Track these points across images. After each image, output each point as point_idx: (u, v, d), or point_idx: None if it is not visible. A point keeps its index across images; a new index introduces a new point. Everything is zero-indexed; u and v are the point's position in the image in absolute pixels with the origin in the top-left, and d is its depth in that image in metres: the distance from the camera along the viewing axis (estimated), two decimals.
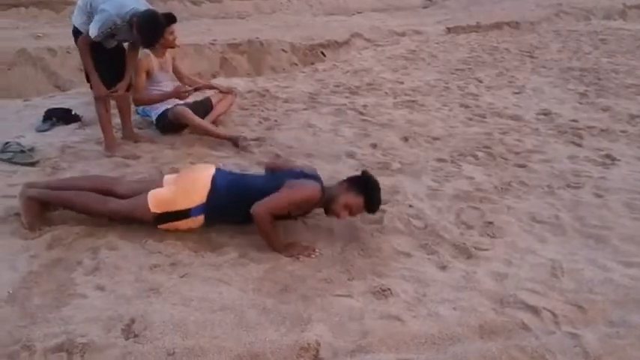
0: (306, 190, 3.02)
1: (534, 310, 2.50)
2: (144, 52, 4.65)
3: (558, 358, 2.21)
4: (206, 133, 4.71)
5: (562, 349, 2.25)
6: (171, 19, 4.67)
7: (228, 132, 4.83)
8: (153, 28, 3.98)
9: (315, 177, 3.20)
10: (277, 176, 3.24)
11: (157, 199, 3.00)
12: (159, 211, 2.99)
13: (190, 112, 4.72)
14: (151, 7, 4.13)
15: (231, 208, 3.05)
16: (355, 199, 3.02)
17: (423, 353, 2.22)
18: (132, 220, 3.08)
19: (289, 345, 2.22)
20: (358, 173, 3.23)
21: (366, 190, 3.05)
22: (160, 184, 3.13)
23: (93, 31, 3.94)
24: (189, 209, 3.02)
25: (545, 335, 2.34)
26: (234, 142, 4.58)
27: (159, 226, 3.06)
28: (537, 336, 2.33)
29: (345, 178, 3.18)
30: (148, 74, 4.75)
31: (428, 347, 2.27)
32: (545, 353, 2.23)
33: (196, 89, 4.97)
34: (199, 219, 3.06)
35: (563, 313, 2.50)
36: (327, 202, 3.06)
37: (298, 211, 3.17)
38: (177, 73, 5.11)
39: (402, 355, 2.20)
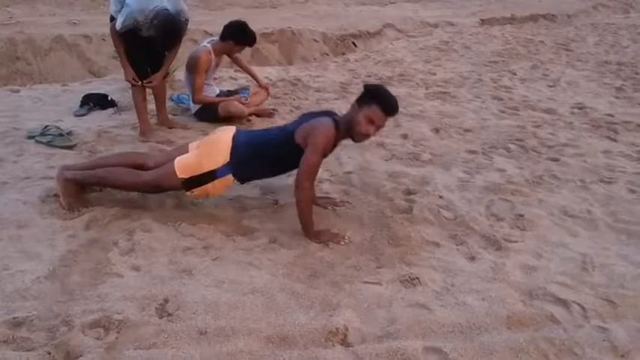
0: (322, 132, 2.99)
1: (564, 304, 2.49)
2: (205, 50, 4.72)
3: (586, 352, 2.20)
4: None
5: (590, 343, 2.24)
6: (252, 41, 4.91)
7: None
8: (167, 34, 4.02)
9: (328, 112, 3.20)
10: (292, 122, 3.29)
11: (182, 165, 3.07)
12: (186, 176, 3.06)
13: (241, 106, 4.87)
14: (181, 4, 4.17)
15: (255, 161, 3.11)
16: (371, 110, 2.98)
17: (450, 342, 2.23)
18: (162, 190, 3.16)
19: (318, 329, 2.25)
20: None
21: (376, 96, 3.02)
22: (185, 151, 3.21)
23: (118, 24, 4.03)
24: (215, 170, 3.08)
25: (573, 328, 2.33)
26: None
27: (188, 193, 3.13)
28: (566, 329, 2.32)
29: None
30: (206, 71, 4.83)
31: (455, 336, 2.28)
32: (574, 346, 2.22)
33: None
34: (227, 179, 3.11)
35: (593, 307, 2.48)
36: (348, 129, 3.05)
37: (327, 153, 3.13)
38: (232, 58, 5.17)
39: (429, 343, 2.21)
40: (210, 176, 3.08)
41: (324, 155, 3.10)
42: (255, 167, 3.15)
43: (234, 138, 3.15)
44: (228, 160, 3.08)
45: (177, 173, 3.06)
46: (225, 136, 3.18)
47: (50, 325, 2.21)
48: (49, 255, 2.71)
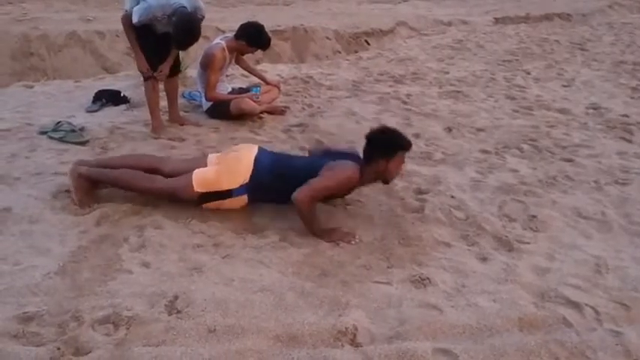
0: (345, 172, 3.02)
1: (576, 306, 2.46)
2: (220, 47, 4.72)
3: (599, 355, 2.18)
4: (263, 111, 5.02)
5: (603, 347, 2.22)
6: (266, 45, 4.93)
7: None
8: (187, 33, 4.00)
9: (354, 156, 3.19)
10: (318, 157, 3.28)
11: (201, 179, 3.06)
12: (203, 191, 3.06)
13: (253, 104, 4.85)
14: (198, 1, 4.16)
15: (274, 188, 3.08)
16: (397, 157, 3.09)
17: (460, 343, 2.21)
18: (176, 200, 3.15)
19: (327, 328, 2.24)
20: (364, 144, 3.16)
21: (398, 145, 3.09)
22: (204, 163, 3.19)
23: (134, 17, 4.01)
24: (232, 189, 3.08)
25: (586, 332, 2.30)
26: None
27: (203, 206, 3.12)
28: (578, 332, 2.29)
29: (366, 153, 3.12)
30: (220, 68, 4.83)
31: (465, 337, 2.26)
32: (586, 350, 2.19)
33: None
34: (242, 199, 3.12)
35: (605, 310, 2.45)
36: (375, 177, 3.14)
37: (340, 193, 3.18)
38: (238, 58, 5.17)
39: (439, 344, 2.19)
40: (226, 194, 3.09)
41: (334, 195, 3.15)
42: (272, 194, 3.13)
43: (257, 159, 3.14)
44: (247, 181, 3.08)
45: (195, 187, 3.05)
46: (247, 156, 3.16)
47: (60, 321, 2.22)
48: (59, 250, 2.72)
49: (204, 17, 4.28)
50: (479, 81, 6.64)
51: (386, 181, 3.19)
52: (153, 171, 3.21)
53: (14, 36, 7.46)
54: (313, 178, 3.00)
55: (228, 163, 3.16)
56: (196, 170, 3.11)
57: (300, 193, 2.92)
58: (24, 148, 3.98)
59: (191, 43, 4.15)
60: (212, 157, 3.25)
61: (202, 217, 3.10)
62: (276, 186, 3.08)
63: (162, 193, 3.15)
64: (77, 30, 7.85)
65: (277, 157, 3.30)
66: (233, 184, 3.08)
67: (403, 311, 2.39)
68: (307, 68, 7.08)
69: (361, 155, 3.16)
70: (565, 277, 2.69)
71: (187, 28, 3.98)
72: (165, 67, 4.35)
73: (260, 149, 3.25)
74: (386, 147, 3.08)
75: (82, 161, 3.39)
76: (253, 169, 3.10)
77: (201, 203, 3.11)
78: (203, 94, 4.89)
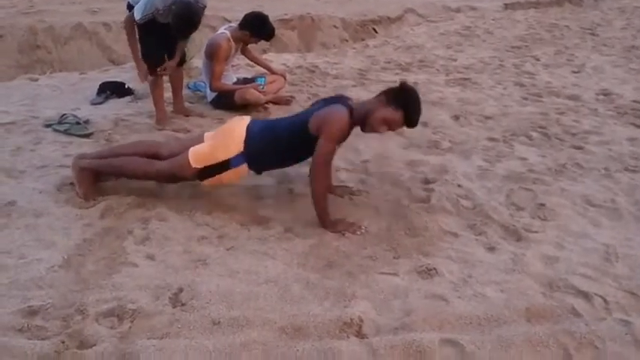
0: (336, 120, 2.92)
1: (585, 296, 2.42)
2: (225, 37, 4.69)
3: (608, 345, 2.14)
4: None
5: (612, 336, 2.18)
6: (269, 35, 4.90)
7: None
8: (186, 22, 3.98)
9: (341, 99, 3.15)
10: (303, 112, 3.28)
11: (196, 155, 3.05)
12: (200, 166, 3.03)
13: (258, 94, 4.83)
14: None
15: (269, 151, 3.07)
16: (394, 114, 2.94)
17: (467, 334, 2.18)
18: (177, 180, 3.15)
19: (332, 320, 2.22)
20: (396, 85, 3.09)
21: (406, 104, 2.96)
22: (201, 141, 3.18)
23: (137, 15, 4.00)
24: (229, 160, 3.04)
25: (595, 321, 2.27)
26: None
27: (203, 182, 3.11)
28: (587, 322, 2.26)
29: (381, 93, 3.07)
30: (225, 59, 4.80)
31: (472, 328, 2.23)
32: (595, 339, 2.16)
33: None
34: (241, 169, 3.09)
35: (615, 299, 2.41)
36: (364, 117, 2.99)
37: (344, 139, 3.09)
38: (243, 48, 5.13)
39: (445, 335, 2.17)
40: (224, 166, 3.05)
41: (339, 143, 3.06)
42: (269, 157, 3.12)
43: (249, 128, 3.11)
44: (242, 149, 3.05)
45: (192, 163, 3.03)
46: (239, 125, 3.14)
47: (64, 314, 2.21)
48: (64, 244, 2.71)
49: (205, 7, 4.25)
50: (487, 68, 6.57)
51: (364, 126, 3.00)
52: (151, 156, 3.19)
53: (20, 29, 7.46)
54: (304, 130, 2.97)
55: (222, 135, 3.16)
56: (192, 147, 3.09)
57: (312, 173, 2.91)
58: (29, 141, 3.97)
59: (190, 32, 4.13)
60: (207, 135, 3.25)
61: (207, 209, 3.08)
62: (270, 149, 3.06)
63: (162, 175, 3.14)
64: (83, 22, 7.83)
65: (268, 121, 3.34)
66: (228, 153, 3.04)
67: (409, 302, 2.36)
68: (313, 57, 7.03)
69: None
70: (574, 266, 2.65)
71: (186, 16, 3.97)
72: (170, 66, 4.34)
73: (252, 119, 3.25)
74: (397, 94, 2.98)
75: (83, 154, 3.39)
76: (246, 136, 3.07)
77: (202, 179, 3.09)
78: (208, 85, 4.87)
